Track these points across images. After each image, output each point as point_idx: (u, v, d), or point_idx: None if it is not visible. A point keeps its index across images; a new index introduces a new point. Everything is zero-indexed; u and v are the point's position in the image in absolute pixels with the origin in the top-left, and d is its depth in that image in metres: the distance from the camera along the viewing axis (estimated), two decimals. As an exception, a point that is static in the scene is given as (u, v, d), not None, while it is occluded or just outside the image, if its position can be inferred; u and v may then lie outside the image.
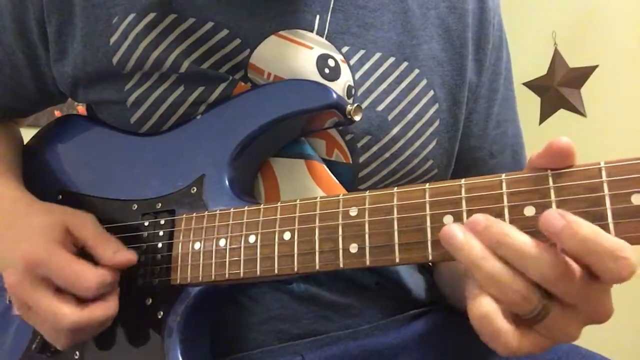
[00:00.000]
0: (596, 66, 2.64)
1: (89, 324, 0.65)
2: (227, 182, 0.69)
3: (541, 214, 0.46)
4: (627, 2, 2.58)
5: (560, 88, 2.71)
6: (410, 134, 0.76)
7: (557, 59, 2.73)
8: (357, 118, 0.69)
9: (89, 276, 0.65)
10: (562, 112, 2.71)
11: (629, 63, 2.55)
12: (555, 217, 0.45)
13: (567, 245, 0.45)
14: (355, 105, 0.69)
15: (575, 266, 0.46)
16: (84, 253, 0.69)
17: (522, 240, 0.46)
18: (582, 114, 2.68)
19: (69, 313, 0.64)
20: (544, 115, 2.74)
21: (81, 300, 0.65)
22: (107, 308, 0.66)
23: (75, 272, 0.65)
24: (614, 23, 2.60)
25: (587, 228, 0.44)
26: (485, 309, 0.47)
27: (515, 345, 0.47)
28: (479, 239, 0.48)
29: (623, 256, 0.43)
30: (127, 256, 0.68)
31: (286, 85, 0.71)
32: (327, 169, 0.73)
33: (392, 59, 0.76)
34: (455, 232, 0.49)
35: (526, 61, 2.65)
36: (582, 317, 0.47)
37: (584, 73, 2.66)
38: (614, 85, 2.58)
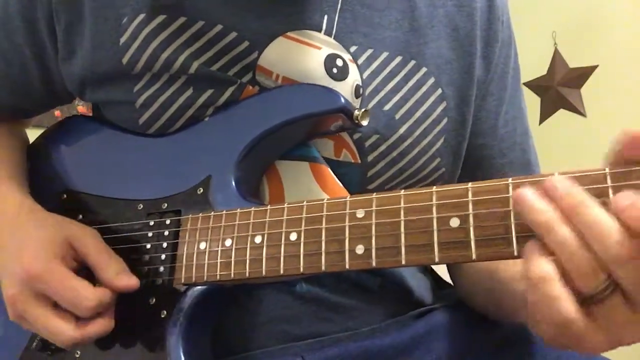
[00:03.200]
0: (596, 66, 2.64)
1: (86, 340, 0.66)
2: (233, 184, 0.69)
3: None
4: (627, 2, 2.59)
5: (560, 88, 2.71)
6: (417, 132, 0.76)
7: (557, 59, 2.73)
8: (364, 122, 0.69)
9: (88, 296, 0.65)
10: (562, 112, 2.72)
11: (629, 63, 2.55)
12: (624, 196, 0.45)
13: (628, 223, 0.44)
14: (363, 110, 0.69)
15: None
16: (85, 269, 0.69)
17: (596, 212, 0.46)
18: (582, 114, 2.68)
19: (65, 331, 0.65)
20: (544, 115, 2.74)
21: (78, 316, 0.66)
22: (103, 325, 0.66)
23: (74, 291, 0.65)
24: (614, 23, 2.60)
25: None
26: (544, 270, 0.46)
27: (571, 316, 0.46)
28: (555, 203, 0.47)
29: None
30: (128, 282, 0.68)
31: (294, 89, 0.71)
32: (332, 172, 0.73)
33: (399, 58, 0.76)
34: (531, 195, 0.48)
35: (526, 61, 2.64)
36: (634, 316, 0.46)
37: (584, 73, 2.67)
38: (614, 85, 2.58)
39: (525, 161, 0.88)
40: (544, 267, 0.47)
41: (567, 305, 0.46)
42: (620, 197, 0.45)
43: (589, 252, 0.46)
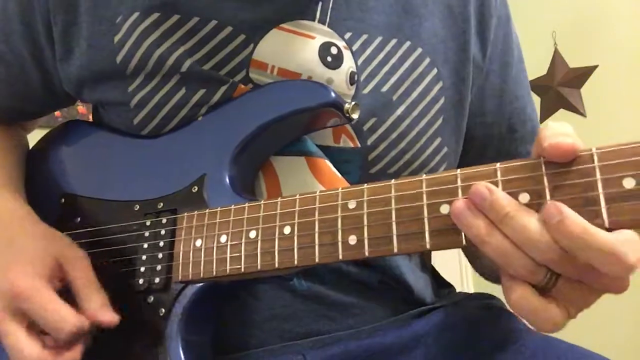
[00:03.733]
0: (596, 66, 2.64)
1: None
2: (227, 181, 0.70)
3: (543, 204, 0.48)
4: (627, 2, 2.59)
5: (560, 88, 2.71)
6: (415, 112, 0.76)
7: (557, 59, 2.73)
8: (354, 116, 0.69)
9: (70, 321, 0.65)
10: (562, 112, 2.72)
11: (629, 63, 2.55)
12: (552, 213, 0.47)
13: (560, 241, 0.47)
14: (353, 103, 0.69)
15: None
16: (67, 290, 0.69)
17: (523, 222, 0.48)
18: (582, 114, 2.68)
19: (31, 355, 0.64)
20: (544, 115, 2.74)
21: (48, 341, 0.66)
22: (71, 357, 0.66)
23: (57, 314, 0.65)
24: (614, 23, 2.61)
25: (577, 226, 0.46)
26: (520, 292, 0.49)
27: (558, 319, 0.49)
28: (485, 214, 0.50)
29: (612, 253, 0.45)
30: (109, 317, 0.67)
31: (285, 85, 0.72)
32: (330, 164, 0.73)
33: (394, 41, 0.76)
34: (463, 211, 0.51)
35: (526, 61, 2.65)
36: (595, 289, 0.49)
37: (584, 73, 2.67)
38: (614, 85, 2.58)
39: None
40: (516, 291, 0.50)
41: (548, 314, 0.49)
42: (550, 212, 0.47)
43: (524, 254, 0.49)
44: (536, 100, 2.72)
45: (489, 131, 0.85)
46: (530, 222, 0.48)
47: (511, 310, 0.64)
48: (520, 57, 0.89)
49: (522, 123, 0.87)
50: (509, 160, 0.52)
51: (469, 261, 0.92)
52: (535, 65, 2.73)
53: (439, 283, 0.89)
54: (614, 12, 2.61)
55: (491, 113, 0.84)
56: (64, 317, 0.65)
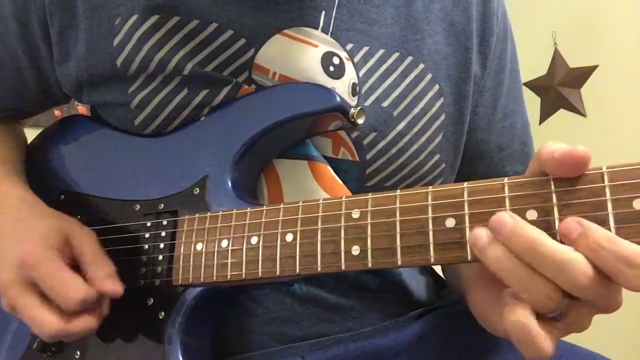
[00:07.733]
0: (596, 66, 2.64)
1: (69, 335, 0.66)
2: (229, 184, 0.69)
3: (551, 222, 0.47)
4: (627, 2, 2.59)
5: (560, 88, 2.71)
6: (416, 129, 0.76)
7: (557, 59, 2.73)
8: (360, 121, 0.69)
9: (76, 289, 0.65)
10: (562, 112, 2.72)
11: (629, 63, 2.56)
12: (573, 226, 0.46)
13: (583, 253, 0.46)
14: (359, 108, 0.68)
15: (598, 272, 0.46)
16: (76, 266, 0.69)
17: (553, 248, 0.46)
18: (582, 114, 2.68)
19: (49, 322, 0.65)
20: (544, 115, 2.74)
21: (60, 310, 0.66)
22: (87, 323, 0.66)
23: (63, 282, 0.65)
24: (614, 23, 2.60)
25: (601, 237, 0.45)
26: (524, 319, 0.48)
27: (548, 349, 0.48)
28: (505, 243, 0.48)
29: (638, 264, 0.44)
30: (115, 287, 0.68)
31: (290, 88, 0.71)
32: (331, 170, 0.73)
33: (396, 55, 0.76)
34: (481, 236, 0.49)
35: (526, 61, 2.65)
36: (595, 311, 0.48)
37: (584, 73, 2.67)
38: (614, 85, 2.58)
39: (524, 154, 0.88)
40: (522, 315, 0.48)
41: (541, 344, 0.48)
42: (568, 228, 0.46)
43: (542, 281, 0.47)
44: (536, 100, 2.73)
45: (479, 148, 0.85)
46: (559, 247, 0.46)
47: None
48: (515, 70, 0.89)
49: (511, 142, 0.86)
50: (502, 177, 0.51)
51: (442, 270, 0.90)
52: (535, 65, 2.74)
53: (439, 283, 0.89)
54: (614, 12, 2.61)
55: (482, 130, 0.84)
56: (72, 286, 0.65)
